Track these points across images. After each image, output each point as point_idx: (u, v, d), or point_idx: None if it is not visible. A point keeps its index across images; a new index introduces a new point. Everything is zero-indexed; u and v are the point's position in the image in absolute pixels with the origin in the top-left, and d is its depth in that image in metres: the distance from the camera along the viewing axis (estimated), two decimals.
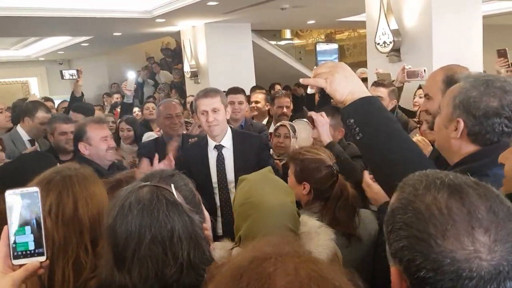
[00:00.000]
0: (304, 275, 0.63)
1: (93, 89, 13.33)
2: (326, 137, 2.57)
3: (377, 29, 5.10)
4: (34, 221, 1.06)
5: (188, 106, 5.67)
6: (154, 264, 1.03)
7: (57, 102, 6.55)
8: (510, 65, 4.09)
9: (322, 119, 2.61)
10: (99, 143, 2.76)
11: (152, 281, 1.03)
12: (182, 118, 3.55)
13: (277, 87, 8.07)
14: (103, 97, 11.43)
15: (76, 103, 4.74)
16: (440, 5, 4.86)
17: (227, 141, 2.82)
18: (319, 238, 1.52)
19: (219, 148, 2.83)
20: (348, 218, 1.92)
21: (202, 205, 1.25)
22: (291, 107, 4.48)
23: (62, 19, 6.82)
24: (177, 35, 9.21)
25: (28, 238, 1.05)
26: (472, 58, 5.13)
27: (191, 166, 2.96)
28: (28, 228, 1.06)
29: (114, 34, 9.00)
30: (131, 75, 4.64)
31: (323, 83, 1.30)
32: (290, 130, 3.62)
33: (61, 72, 5.25)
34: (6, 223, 1.04)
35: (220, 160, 2.82)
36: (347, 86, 1.28)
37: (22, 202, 1.06)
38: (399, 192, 0.85)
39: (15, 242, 1.05)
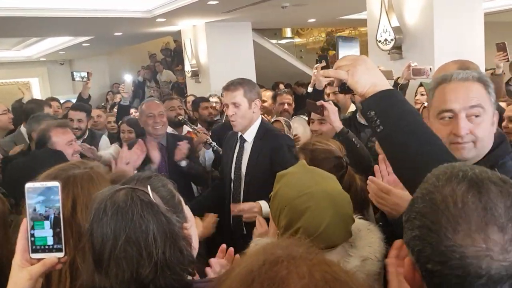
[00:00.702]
0: (319, 278, 0.61)
1: (94, 89, 13.27)
2: (339, 124, 2.59)
3: (378, 26, 5.10)
4: (54, 216, 1.06)
5: (188, 105, 5.65)
6: (129, 264, 1.04)
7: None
8: (509, 59, 4.09)
9: (332, 107, 2.64)
10: (64, 148, 2.69)
11: (128, 282, 1.03)
12: (165, 117, 3.45)
13: (281, 86, 8.07)
14: (107, 94, 11.48)
15: (76, 102, 4.76)
16: (441, 2, 4.86)
17: (250, 135, 2.76)
18: (371, 236, 1.48)
19: (241, 140, 2.81)
20: (358, 211, 1.90)
21: (184, 205, 1.24)
22: (293, 104, 4.51)
23: (63, 19, 6.83)
24: (177, 34, 9.20)
25: (47, 233, 1.06)
26: (474, 55, 5.11)
27: (223, 150, 3.06)
28: (47, 223, 1.06)
29: (115, 34, 9.01)
30: (128, 78, 4.56)
31: (345, 75, 1.28)
32: (285, 126, 3.65)
33: (72, 74, 5.26)
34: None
35: (240, 153, 2.81)
36: (368, 79, 1.26)
37: (42, 196, 1.06)
38: (423, 182, 0.84)
39: (33, 236, 1.05)
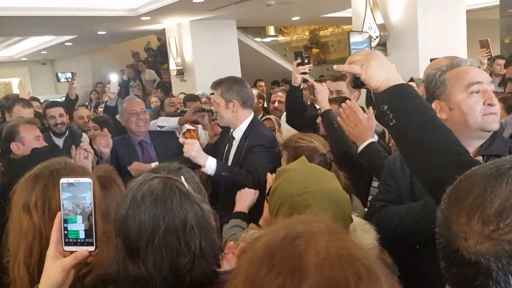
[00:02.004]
0: (334, 253, 0.64)
1: (77, 89, 13.16)
2: (325, 104, 2.65)
3: (363, 24, 5.16)
4: (86, 211, 1.08)
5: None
6: (168, 253, 1.04)
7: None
8: (492, 55, 4.18)
9: (321, 87, 2.72)
10: (32, 143, 2.75)
11: (166, 271, 1.04)
12: (147, 114, 3.44)
13: (260, 83, 8.08)
14: (91, 94, 11.39)
15: (50, 101, 4.76)
16: (425, 0, 4.94)
17: (238, 133, 2.73)
18: (366, 237, 1.49)
19: (231, 138, 2.79)
20: None
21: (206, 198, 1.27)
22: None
23: (45, 18, 6.75)
24: (161, 33, 9.17)
25: (79, 227, 1.08)
26: (457, 52, 5.21)
27: (218, 144, 3.02)
28: (80, 217, 1.08)
29: (99, 33, 8.93)
30: (114, 78, 4.46)
31: (358, 69, 1.30)
32: (276, 124, 3.69)
33: (56, 75, 5.19)
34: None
35: (228, 150, 2.80)
36: (382, 74, 1.28)
37: (75, 192, 1.08)
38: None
39: (66, 230, 1.08)
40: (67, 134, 4.27)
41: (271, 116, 3.91)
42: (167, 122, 3.74)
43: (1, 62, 12.83)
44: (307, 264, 0.62)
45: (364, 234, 1.50)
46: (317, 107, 3.07)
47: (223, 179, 2.51)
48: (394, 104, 1.27)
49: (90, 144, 3.05)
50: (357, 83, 1.34)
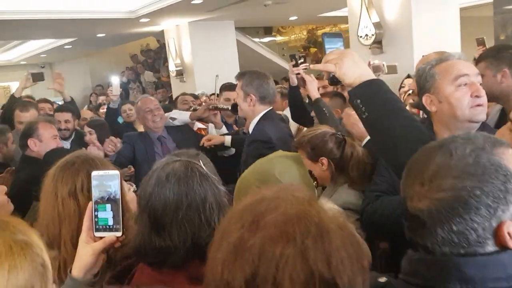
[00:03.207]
0: (290, 213, 0.75)
1: (76, 92, 13.27)
2: (315, 93, 2.83)
3: (359, 22, 5.26)
4: (114, 200, 1.19)
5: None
6: (191, 228, 1.15)
7: None
8: None
9: (310, 78, 2.89)
10: (49, 141, 2.83)
11: (189, 243, 1.15)
12: (161, 110, 3.56)
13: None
14: (90, 96, 11.46)
15: (60, 104, 4.72)
16: None
17: (251, 128, 2.79)
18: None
19: (247, 132, 2.88)
20: (361, 175, 2.03)
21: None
22: (280, 101, 4.63)
23: (45, 21, 6.81)
24: (160, 34, 9.25)
25: (108, 215, 1.19)
26: (451, 49, 5.30)
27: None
28: (108, 206, 1.19)
29: (98, 35, 9.01)
30: (115, 80, 4.47)
31: (333, 68, 1.40)
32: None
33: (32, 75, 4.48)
34: None
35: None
36: (355, 70, 1.38)
37: (105, 182, 1.20)
38: None
39: (97, 217, 1.19)
40: (73, 137, 4.31)
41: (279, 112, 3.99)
42: (180, 115, 3.82)
43: (1, 66, 12.88)
44: (265, 220, 0.75)
45: None
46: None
47: None
48: (366, 98, 1.37)
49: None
50: (333, 80, 1.44)
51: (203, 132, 4.20)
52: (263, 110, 2.71)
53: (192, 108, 4.41)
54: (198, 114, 3.73)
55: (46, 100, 5.52)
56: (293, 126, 3.66)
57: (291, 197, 0.80)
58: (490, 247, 0.85)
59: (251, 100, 2.69)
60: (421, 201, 0.87)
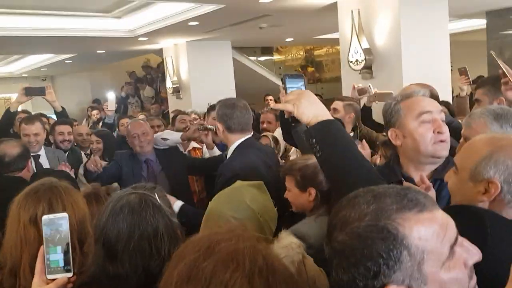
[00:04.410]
0: (243, 244, 0.86)
1: (76, 105, 13.44)
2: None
3: (349, 47, 5.38)
4: (64, 241, 1.28)
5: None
6: (142, 257, 1.24)
7: None
8: (471, 82, 4.37)
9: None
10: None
11: (140, 271, 1.23)
12: (149, 135, 3.61)
13: (269, 97, 8.44)
14: (87, 110, 11.56)
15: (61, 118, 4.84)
16: (408, 25, 5.16)
17: (228, 156, 2.86)
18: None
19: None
20: None
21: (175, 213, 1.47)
22: (274, 122, 4.71)
23: (46, 38, 6.96)
24: (159, 52, 9.41)
25: (59, 257, 1.28)
26: (440, 74, 5.45)
27: None
28: (59, 248, 1.28)
29: (98, 51, 9.16)
30: (111, 95, 4.60)
31: (291, 107, 1.49)
32: (272, 141, 3.87)
33: (26, 89, 4.24)
34: None
35: None
36: (311, 110, 1.47)
37: (54, 226, 1.29)
38: None
39: (48, 260, 1.27)
40: (68, 152, 4.49)
41: (268, 134, 4.10)
42: (171, 136, 3.89)
43: (2, 78, 13.03)
44: (220, 247, 0.85)
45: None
46: None
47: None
48: (320, 138, 1.45)
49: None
50: (293, 119, 1.54)
51: (197, 152, 4.28)
52: (237, 139, 2.71)
53: (188, 128, 4.50)
54: (188, 135, 3.79)
55: (41, 115, 5.65)
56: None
57: (244, 233, 0.91)
58: None
59: (219, 129, 2.73)
60: (326, 244, 0.94)
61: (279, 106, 1.55)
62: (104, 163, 3.45)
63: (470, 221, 1.09)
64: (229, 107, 2.73)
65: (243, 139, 2.72)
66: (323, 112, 1.48)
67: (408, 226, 0.86)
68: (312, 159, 2.20)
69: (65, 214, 1.30)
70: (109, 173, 3.41)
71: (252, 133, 2.85)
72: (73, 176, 3.39)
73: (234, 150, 2.74)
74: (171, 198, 2.68)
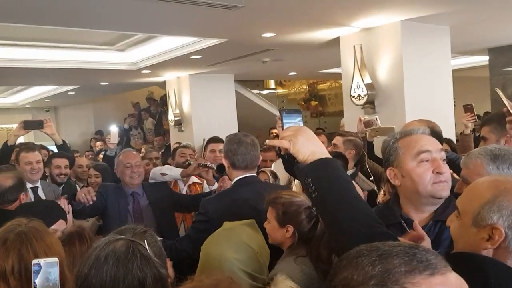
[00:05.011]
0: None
1: (79, 136, 13.47)
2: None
3: (352, 82, 5.35)
4: (54, 285, 1.22)
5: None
6: None
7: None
8: (476, 119, 4.32)
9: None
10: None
11: None
12: (141, 167, 3.57)
13: (274, 130, 8.37)
14: (90, 141, 11.63)
15: (59, 152, 4.79)
16: (411, 60, 5.15)
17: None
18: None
19: None
20: (329, 255, 2.00)
21: (168, 262, 1.36)
22: (275, 160, 4.66)
23: (49, 70, 6.98)
24: (162, 84, 9.45)
25: None
26: (444, 110, 5.40)
27: None
28: None
29: (101, 83, 9.21)
30: (114, 129, 4.58)
31: (287, 144, 1.42)
32: (270, 176, 3.80)
33: (24, 123, 4.10)
34: None
35: None
36: (308, 147, 1.40)
37: (44, 269, 1.22)
38: None
39: None
40: (63, 185, 4.47)
41: (266, 169, 4.04)
42: (170, 171, 3.85)
43: (6, 108, 13.09)
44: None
45: None
46: None
47: None
48: (316, 177, 1.37)
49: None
50: (289, 156, 1.46)
51: (198, 187, 4.23)
52: (237, 175, 2.70)
53: (187, 162, 4.46)
54: (189, 172, 3.77)
55: (42, 146, 5.69)
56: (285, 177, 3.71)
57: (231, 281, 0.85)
58: None
59: (225, 164, 2.73)
60: None
61: (275, 143, 1.48)
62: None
63: (472, 271, 1.00)
64: (234, 143, 2.71)
65: (243, 176, 2.69)
66: (320, 150, 1.42)
67: None
68: (300, 197, 2.18)
69: (55, 259, 1.23)
70: (93, 205, 3.25)
71: (255, 171, 2.81)
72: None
73: (232, 185, 2.73)
74: None
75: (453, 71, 5.74)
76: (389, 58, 5.21)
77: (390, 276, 0.78)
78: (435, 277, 0.79)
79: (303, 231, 2.07)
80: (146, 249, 1.22)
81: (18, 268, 1.36)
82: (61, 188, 4.45)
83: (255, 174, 2.80)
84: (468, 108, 4.20)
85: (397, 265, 0.79)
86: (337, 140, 3.81)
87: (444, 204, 1.73)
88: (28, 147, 4.24)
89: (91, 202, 3.13)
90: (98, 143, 9.38)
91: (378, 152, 4.28)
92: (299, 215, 2.09)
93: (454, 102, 5.74)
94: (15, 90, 11.33)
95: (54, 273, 1.21)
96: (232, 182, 2.73)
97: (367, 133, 4.19)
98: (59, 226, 2.12)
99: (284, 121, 1.55)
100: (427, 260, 0.80)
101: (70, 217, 2.51)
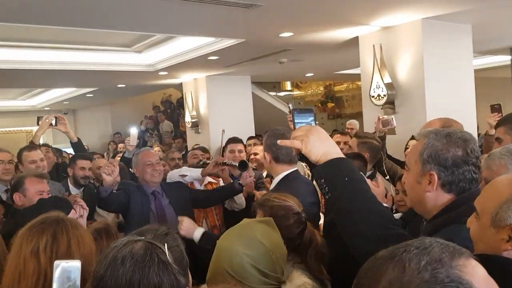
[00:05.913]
0: None
1: (97, 138, 13.58)
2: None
3: (371, 82, 5.27)
4: (73, 286, 1.22)
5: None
6: None
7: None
8: None
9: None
10: (34, 196, 2.81)
11: None
12: (161, 166, 3.57)
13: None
14: (109, 144, 11.74)
15: (85, 153, 4.82)
16: (432, 59, 5.06)
17: (271, 188, 2.80)
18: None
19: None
20: (319, 265, 1.93)
21: (188, 269, 1.30)
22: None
23: (67, 72, 7.04)
24: (179, 86, 9.46)
25: None
26: (465, 110, 5.28)
27: None
28: None
29: (118, 85, 9.27)
30: (134, 131, 4.55)
31: (299, 144, 1.37)
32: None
33: (38, 119, 4.63)
34: None
35: None
36: (321, 148, 1.36)
37: (66, 271, 1.24)
38: None
39: None
40: (84, 187, 4.46)
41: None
42: (190, 172, 3.85)
43: (25, 111, 13.27)
44: None
45: None
46: None
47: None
48: (329, 178, 1.33)
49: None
50: (302, 156, 1.41)
51: (213, 187, 4.21)
52: (283, 170, 2.62)
53: (202, 162, 4.45)
54: (208, 171, 3.76)
55: (44, 145, 5.77)
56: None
57: None
58: None
59: (267, 157, 2.65)
60: None
61: (287, 143, 1.43)
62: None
63: (494, 274, 0.94)
64: (278, 137, 2.58)
65: (290, 171, 2.64)
66: (333, 150, 1.37)
67: (467, 272, 0.75)
68: (290, 202, 2.10)
69: (77, 262, 1.24)
70: (119, 201, 3.27)
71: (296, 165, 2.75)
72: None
73: (279, 181, 2.64)
74: (191, 226, 2.64)
75: (474, 71, 5.62)
76: (410, 57, 5.12)
77: (442, 262, 0.75)
78: (470, 260, 0.78)
79: (288, 237, 1.96)
80: (166, 253, 1.15)
81: (51, 246, 1.40)
82: (81, 190, 4.46)
83: (297, 169, 2.72)
84: (495, 108, 4.08)
85: (440, 252, 0.77)
86: (353, 142, 3.73)
87: None
88: (30, 146, 4.24)
89: (115, 177, 3.11)
90: (121, 145, 9.43)
91: (391, 151, 4.21)
92: (288, 220, 2.00)
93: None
94: (34, 93, 11.48)
95: (75, 277, 1.21)
96: (279, 178, 2.64)
97: (385, 132, 4.12)
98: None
99: (296, 120, 1.50)
100: (456, 247, 0.80)
101: (83, 221, 2.46)
